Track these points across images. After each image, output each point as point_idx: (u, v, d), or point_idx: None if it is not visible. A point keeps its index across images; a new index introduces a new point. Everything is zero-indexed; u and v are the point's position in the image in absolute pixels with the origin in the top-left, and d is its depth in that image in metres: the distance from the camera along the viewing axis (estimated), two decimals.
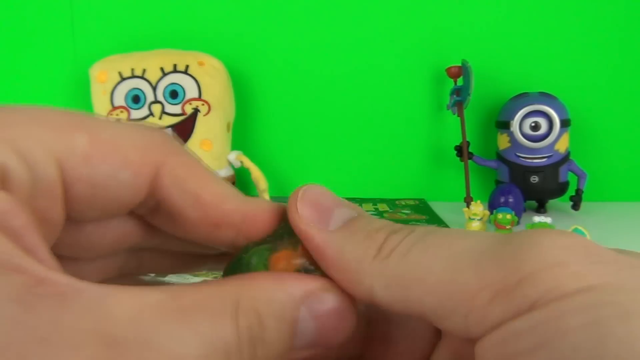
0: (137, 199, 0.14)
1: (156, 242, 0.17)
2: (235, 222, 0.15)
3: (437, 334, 0.17)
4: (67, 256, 0.15)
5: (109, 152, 0.13)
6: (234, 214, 0.15)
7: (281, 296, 0.13)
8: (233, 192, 0.15)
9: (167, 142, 0.15)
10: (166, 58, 0.74)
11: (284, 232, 0.16)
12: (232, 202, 0.15)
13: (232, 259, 0.16)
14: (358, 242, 0.14)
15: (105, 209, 0.14)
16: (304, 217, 0.15)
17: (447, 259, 0.13)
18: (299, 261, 0.15)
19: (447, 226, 0.68)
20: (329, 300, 0.14)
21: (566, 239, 0.12)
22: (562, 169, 0.75)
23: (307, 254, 0.15)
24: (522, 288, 0.12)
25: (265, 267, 0.15)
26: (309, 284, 0.14)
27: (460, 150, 0.77)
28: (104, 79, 0.74)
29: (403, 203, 0.81)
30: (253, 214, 0.15)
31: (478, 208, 0.64)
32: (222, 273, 0.16)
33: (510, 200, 0.68)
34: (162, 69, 0.74)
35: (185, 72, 0.74)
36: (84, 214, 0.14)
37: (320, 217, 0.15)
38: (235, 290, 0.12)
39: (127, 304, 0.11)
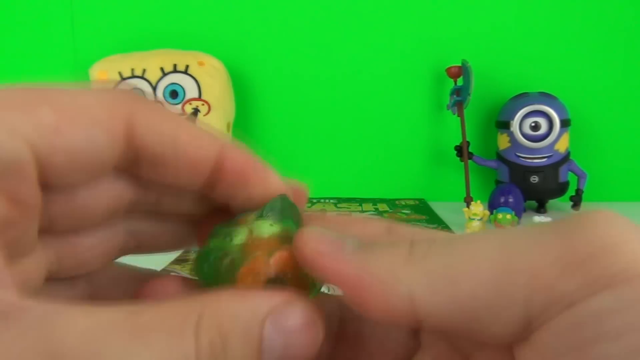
0: (116, 154, 0.14)
1: (150, 200, 0.17)
2: (212, 158, 0.16)
3: (413, 336, 0.17)
4: (67, 229, 0.15)
5: (76, 117, 0.13)
6: (210, 148, 0.16)
7: (245, 313, 0.12)
8: (206, 130, 0.16)
9: (132, 96, 0.15)
10: (166, 58, 0.74)
11: (268, 211, 0.16)
12: (206, 138, 0.16)
13: (203, 248, 0.16)
14: (382, 253, 0.13)
15: (89, 170, 0.14)
16: (315, 247, 0.14)
17: (497, 245, 0.12)
18: (271, 272, 0.15)
19: (447, 226, 0.68)
20: (295, 316, 0.13)
21: (621, 218, 0.12)
22: (562, 169, 0.75)
23: (281, 264, 0.15)
24: (597, 261, 0.11)
25: (233, 277, 0.15)
26: (275, 299, 0.13)
27: (460, 150, 0.77)
28: (104, 79, 0.74)
29: (403, 203, 0.81)
30: (229, 151, 0.16)
31: (478, 208, 0.64)
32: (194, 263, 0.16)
33: (510, 200, 0.68)
34: (162, 69, 0.74)
35: (185, 72, 0.74)
36: (69, 180, 0.14)
37: (333, 244, 0.14)
38: (197, 307, 0.12)
39: (77, 321, 0.11)
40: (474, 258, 0.12)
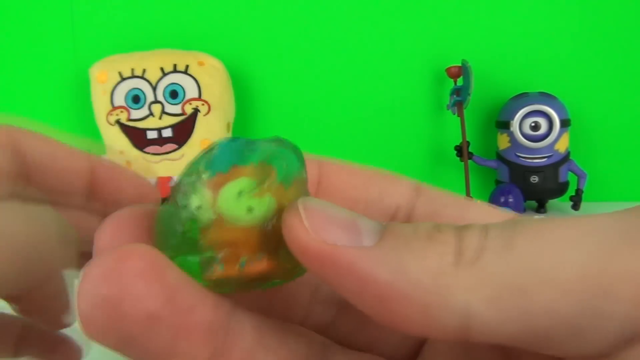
0: (8, 165, 0.17)
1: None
2: (85, 167, 0.19)
3: None
4: None
5: None
6: (81, 158, 0.19)
7: None
8: (80, 150, 0.20)
9: (19, 128, 0.19)
10: (166, 58, 0.74)
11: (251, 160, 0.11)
12: (79, 153, 0.19)
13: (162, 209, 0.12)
14: (421, 252, 0.10)
15: None
16: (325, 237, 0.10)
17: (583, 241, 0.09)
18: (245, 280, 0.11)
19: None
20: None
21: None
22: (562, 169, 0.75)
23: (264, 269, 0.11)
24: None
25: (199, 279, 0.11)
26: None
27: (460, 150, 0.77)
28: (104, 79, 0.74)
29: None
30: (100, 162, 0.19)
31: None
32: None
33: (510, 200, 0.68)
34: (162, 69, 0.74)
35: (185, 72, 0.74)
36: None
37: (346, 232, 0.10)
38: None
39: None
40: (550, 259, 0.09)
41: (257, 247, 0.11)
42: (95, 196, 0.19)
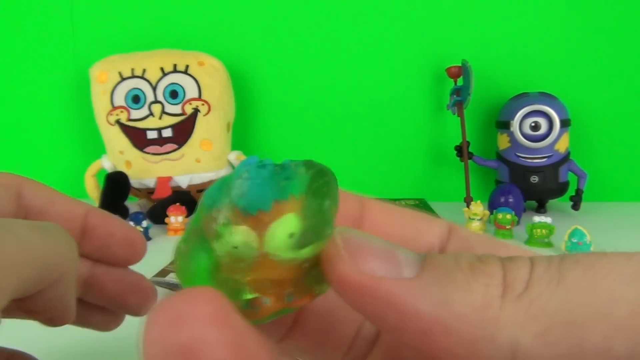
0: (11, 207, 0.19)
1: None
2: (80, 213, 0.21)
3: None
4: None
5: None
6: (77, 206, 0.21)
7: None
8: (76, 199, 0.21)
9: (21, 176, 0.21)
10: (166, 58, 0.74)
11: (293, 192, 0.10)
12: (75, 201, 0.21)
13: (185, 238, 0.12)
14: (466, 284, 0.10)
15: None
16: (363, 267, 0.10)
17: (636, 275, 0.09)
18: (288, 311, 0.11)
19: None
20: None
21: None
22: (562, 169, 0.75)
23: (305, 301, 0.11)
24: None
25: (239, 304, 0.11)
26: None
27: (460, 150, 0.77)
28: (104, 79, 0.74)
29: (403, 203, 0.81)
30: (93, 210, 0.21)
31: (478, 208, 0.65)
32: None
33: (510, 200, 0.68)
34: (162, 69, 0.74)
35: (185, 72, 0.74)
36: None
37: (385, 263, 0.10)
38: None
39: None
40: (604, 294, 0.09)
41: (301, 280, 0.11)
42: (88, 239, 0.21)
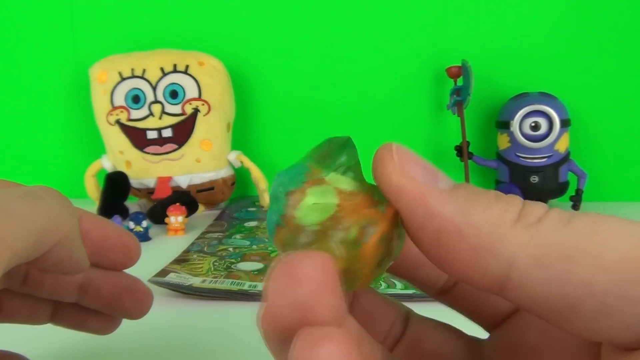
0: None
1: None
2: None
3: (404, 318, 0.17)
4: None
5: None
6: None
7: None
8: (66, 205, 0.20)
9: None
10: (166, 58, 0.74)
11: (336, 158, 0.15)
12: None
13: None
14: (487, 204, 0.11)
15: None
16: (407, 172, 0.12)
17: (635, 236, 0.10)
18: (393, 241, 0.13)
19: None
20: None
21: None
22: (562, 169, 0.75)
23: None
24: None
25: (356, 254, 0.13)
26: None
27: (460, 150, 0.77)
28: (104, 79, 0.74)
29: None
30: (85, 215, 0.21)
31: None
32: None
33: None
34: (162, 69, 0.74)
35: (185, 72, 0.74)
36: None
37: (426, 173, 0.12)
38: None
39: None
40: (599, 240, 0.10)
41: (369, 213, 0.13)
42: (83, 242, 0.21)
